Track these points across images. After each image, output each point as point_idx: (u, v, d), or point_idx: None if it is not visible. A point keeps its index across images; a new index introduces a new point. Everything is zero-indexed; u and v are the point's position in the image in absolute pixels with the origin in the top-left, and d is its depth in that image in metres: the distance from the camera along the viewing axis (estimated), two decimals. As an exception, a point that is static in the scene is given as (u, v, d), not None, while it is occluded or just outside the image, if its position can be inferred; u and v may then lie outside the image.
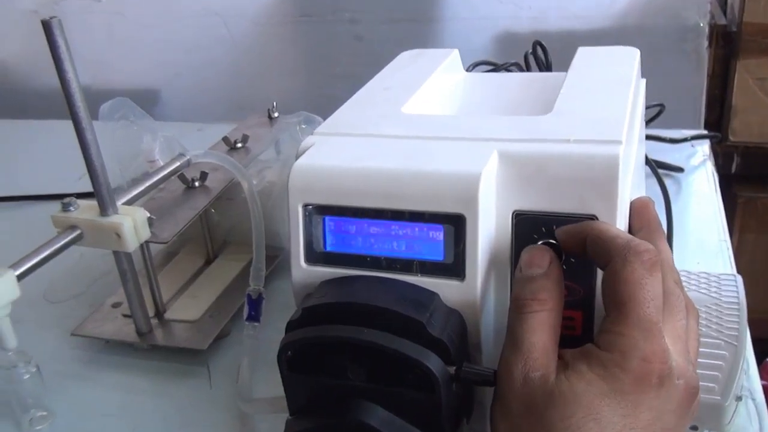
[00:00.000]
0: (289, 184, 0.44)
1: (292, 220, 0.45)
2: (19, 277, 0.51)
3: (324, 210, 0.44)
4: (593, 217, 0.41)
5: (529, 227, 0.43)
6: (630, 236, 0.39)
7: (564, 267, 0.42)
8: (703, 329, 0.54)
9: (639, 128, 0.54)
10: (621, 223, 0.42)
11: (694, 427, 0.50)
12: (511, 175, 0.43)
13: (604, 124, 0.45)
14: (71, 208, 0.57)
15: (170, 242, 0.62)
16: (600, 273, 0.42)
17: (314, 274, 0.45)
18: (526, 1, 1.20)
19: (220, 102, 1.35)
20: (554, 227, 0.42)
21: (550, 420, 0.36)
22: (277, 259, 0.73)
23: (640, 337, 0.37)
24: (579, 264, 0.42)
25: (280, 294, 0.67)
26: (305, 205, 0.44)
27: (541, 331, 0.39)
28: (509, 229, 0.44)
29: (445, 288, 0.42)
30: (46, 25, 0.50)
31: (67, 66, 0.52)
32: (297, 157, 0.47)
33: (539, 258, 0.41)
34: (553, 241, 0.42)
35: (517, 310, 0.40)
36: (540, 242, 0.43)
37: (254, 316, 0.60)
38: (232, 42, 1.33)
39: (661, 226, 0.45)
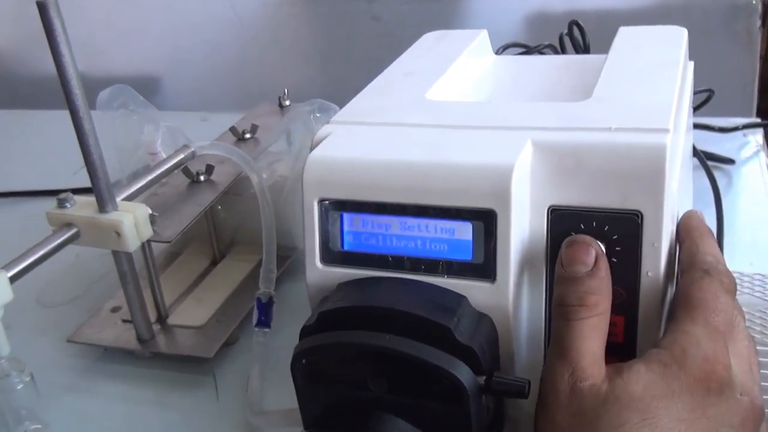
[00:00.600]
0: (303, 177, 0.44)
1: (307, 217, 0.45)
2: (12, 279, 0.52)
3: (341, 205, 0.44)
4: (637, 214, 0.41)
5: (565, 224, 0.43)
6: (721, 258, 0.42)
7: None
8: (757, 336, 0.54)
9: (687, 115, 0.53)
10: (668, 220, 0.41)
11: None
12: (547, 167, 0.43)
13: (649, 111, 0.45)
14: (67, 205, 0.58)
15: (174, 241, 0.63)
16: (644, 275, 0.42)
17: (331, 275, 0.45)
18: (561, -23, 1.20)
19: (226, 89, 1.35)
20: (593, 224, 0.42)
21: (601, 429, 0.36)
22: (289, 259, 0.73)
23: (703, 336, 0.38)
24: (621, 263, 0.42)
25: (292, 297, 0.67)
26: (321, 201, 0.44)
27: (590, 339, 0.39)
28: (544, 226, 0.43)
29: (474, 290, 0.42)
30: (42, 6, 0.50)
31: (64, 50, 0.52)
32: (312, 148, 0.47)
33: (583, 253, 0.41)
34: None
35: (563, 317, 0.40)
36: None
37: (264, 322, 0.60)
38: (239, 24, 1.33)
39: (712, 233, 0.44)
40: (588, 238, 0.41)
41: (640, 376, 0.38)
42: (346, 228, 0.45)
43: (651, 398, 0.37)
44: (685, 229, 0.44)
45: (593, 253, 0.41)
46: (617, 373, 0.39)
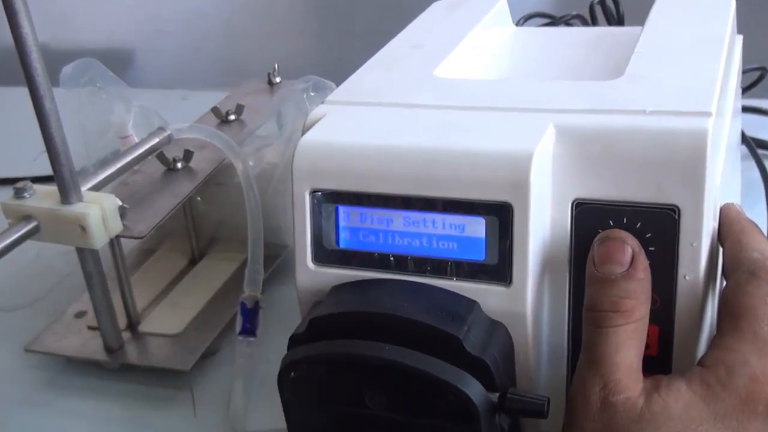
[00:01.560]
0: (293, 165, 0.45)
1: (297, 210, 0.45)
2: (-38, 279, 0.52)
3: (337, 197, 0.44)
4: (674, 209, 0.41)
5: (592, 219, 0.43)
6: None
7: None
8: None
9: (734, 97, 0.53)
10: (709, 216, 0.41)
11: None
12: (571, 155, 0.43)
13: (689, 92, 0.45)
14: (26, 195, 0.58)
15: (147, 237, 0.63)
16: (681, 278, 0.42)
17: (324, 277, 0.45)
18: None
19: (209, 64, 1.35)
20: (624, 220, 0.42)
21: None
22: (278, 258, 0.73)
23: (751, 353, 0.38)
24: (655, 265, 0.42)
25: (281, 302, 0.67)
26: (313, 192, 0.45)
27: (626, 348, 0.40)
28: (568, 222, 0.43)
29: (487, 295, 0.43)
30: (-4, -32, 0.51)
31: (23, 20, 0.52)
32: (304, 132, 0.47)
33: (618, 251, 0.41)
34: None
35: (595, 324, 0.40)
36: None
37: (249, 329, 0.60)
38: (224, -10, 1.33)
39: (757, 227, 0.44)
40: (624, 234, 0.42)
41: (680, 395, 0.38)
42: (341, 223, 0.45)
43: (690, 420, 0.37)
44: (725, 225, 0.44)
45: (629, 252, 0.41)
46: (655, 389, 0.39)
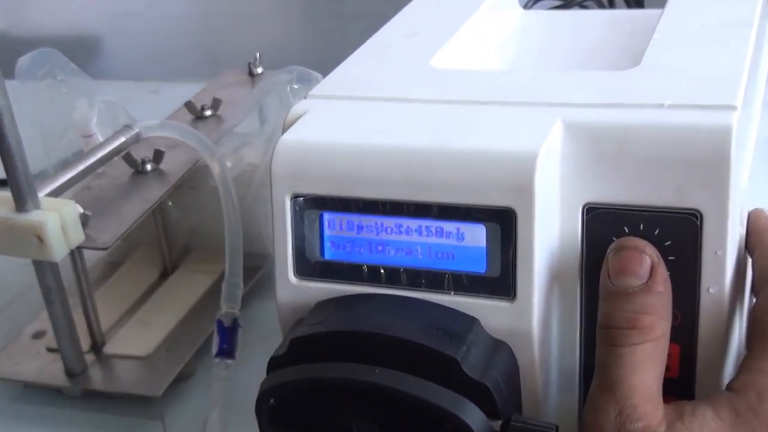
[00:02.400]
0: (272, 167, 0.45)
1: (277, 218, 0.45)
2: None
3: (321, 203, 0.45)
4: (696, 214, 0.41)
5: (605, 226, 0.43)
6: None
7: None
8: None
9: (762, 89, 0.53)
10: (734, 222, 0.42)
11: None
12: (581, 154, 0.43)
13: (712, 83, 0.45)
14: (-24, 201, 0.58)
15: (112, 248, 0.63)
16: (705, 291, 0.42)
17: (307, 292, 0.45)
18: None
19: (182, 53, 1.35)
20: (640, 226, 0.42)
21: None
22: (259, 271, 0.74)
23: None
24: (676, 276, 0.42)
25: (263, 320, 0.67)
26: (295, 197, 0.45)
27: (644, 370, 0.40)
28: (578, 229, 0.44)
29: (488, 311, 0.43)
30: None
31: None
32: (284, 130, 0.47)
33: (635, 262, 0.41)
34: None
35: (609, 342, 0.41)
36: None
37: (227, 351, 0.60)
38: (200, -31, 1.34)
39: None
40: (641, 243, 0.42)
41: (705, 422, 0.38)
42: (326, 232, 0.45)
43: None
44: (754, 233, 0.44)
45: (648, 262, 0.41)
46: (678, 416, 0.39)
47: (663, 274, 0.41)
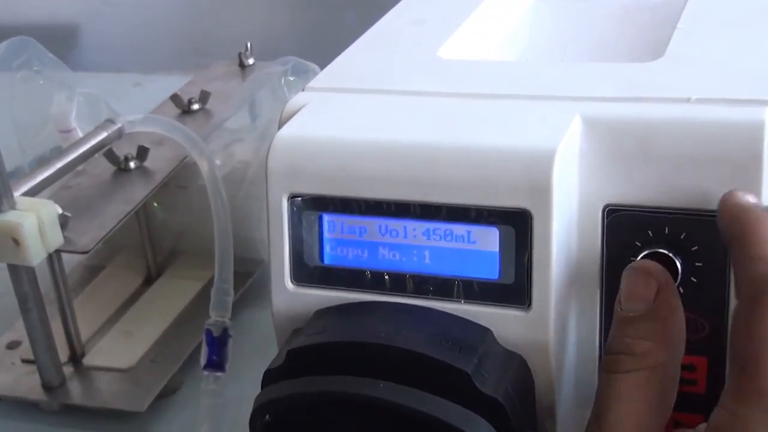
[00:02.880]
0: (267, 165, 0.45)
1: (273, 220, 0.45)
2: None
3: (320, 204, 0.45)
4: (725, 216, 0.41)
5: (627, 229, 0.43)
6: None
7: (681, 290, 0.42)
8: None
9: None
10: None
11: None
12: (602, 152, 0.43)
13: (743, 76, 0.45)
14: (-53, 201, 0.58)
15: (93, 252, 0.63)
16: (735, 301, 0.42)
17: (305, 299, 0.45)
18: None
19: (168, 43, 1.35)
20: (665, 230, 0.42)
21: None
22: (251, 276, 0.74)
23: (757, 423, 0.36)
24: (703, 284, 0.42)
25: (255, 329, 0.67)
26: (292, 197, 0.45)
27: (632, 400, 0.39)
28: (598, 232, 0.44)
29: (501, 321, 0.43)
30: None
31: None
32: (280, 125, 0.47)
33: (641, 285, 0.41)
34: (665, 251, 0.42)
35: (604, 368, 0.41)
36: (642, 255, 0.43)
37: (217, 363, 0.60)
38: (186, -47, 1.33)
39: None
40: (649, 265, 0.41)
41: None
42: (326, 234, 0.45)
43: None
44: (725, 217, 0.41)
45: (653, 286, 0.41)
46: None
47: (669, 298, 0.41)
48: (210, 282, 0.63)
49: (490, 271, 0.43)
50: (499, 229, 0.42)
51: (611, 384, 0.40)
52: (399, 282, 0.44)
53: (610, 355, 0.40)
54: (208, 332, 0.61)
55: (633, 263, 0.42)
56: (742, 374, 0.37)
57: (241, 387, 0.60)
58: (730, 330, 0.39)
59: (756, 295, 0.37)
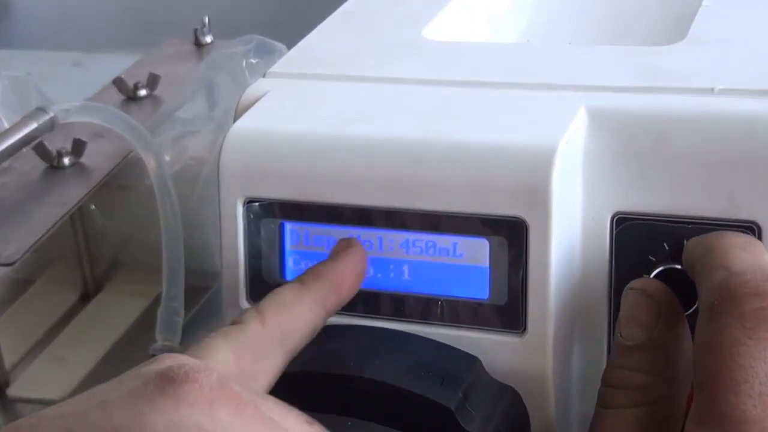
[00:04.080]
0: (220, 164, 0.45)
1: (226, 228, 0.45)
2: None
3: (282, 210, 0.45)
4: (752, 225, 0.42)
5: (639, 241, 0.43)
6: (746, 266, 0.39)
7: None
8: None
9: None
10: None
11: None
12: (610, 151, 0.43)
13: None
14: None
15: (19, 263, 0.63)
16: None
17: (264, 321, 0.45)
18: None
19: (112, 16, 1.35)
20: (684, 242, 0.42)
21: None
22: (206, 293, 0.73)
23: None
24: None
25: (210, 355, 0.67)
26: (249, 202, 0.45)
27: None
28: (606, 246, 0.44)
29: (492, 348, 0.43)
30: None
31: None
32: (236, 116, 0.47)
33: (642, 309, 0.41)
34: (678, 267, 0.43)
35: (598, 401, 0.41)
36: (657, 272, 0.43)
37: (163, 394, 0.60)
38: None
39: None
40: (651, 286, 0.42)
41: None
42: (288, 246, 0.45)
43: None
44: (693, 243, 0.42)
45: (655, 311, 0.41)
46: None
47: (673, 326, 0.41)
48: (157, 299, 0.63)
49: (478, 290, 0.43)
50: (489, 241, 0.42)
51: (604, 420, 0.40)
52: (372, 302, 0.44)
53: (605, 387, 0.41)
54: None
55: (633, 282, 0.42)
56: (702, 393, 0.37)
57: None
58: (694, 348, 0.39)
59: (713, 304, 0.38)
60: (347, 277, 0.43)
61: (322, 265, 0.43)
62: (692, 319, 0.40)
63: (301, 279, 0.43)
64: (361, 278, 0.43)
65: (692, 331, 0.40)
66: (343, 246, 0.44)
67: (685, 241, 0.42)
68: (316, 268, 0.43)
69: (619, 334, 0.41)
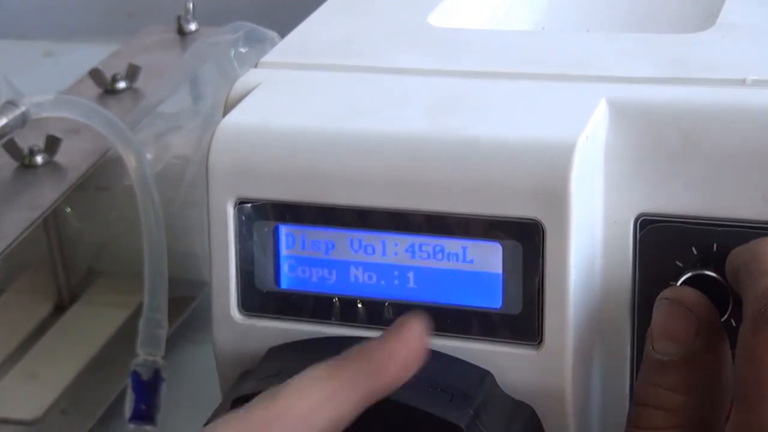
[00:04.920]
0: (208, 162, 0.45)
1: (216, 232, 0.45)
2: None
3: (276, 212, 0.45)
4: (789, 229, 0.42)
5: (665, 245, 0.43)
6: None
7: (733, 322, 0.42)
8: None
9: None
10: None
11: None
12: (634, 147, 0.43)
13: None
14: None
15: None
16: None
17: (256, 333, 0.45)
18: None
19: (86, 2, 1.35)
20: (714, 247, 0.43)
21: None
22: (191, 303, 0.73)
23: None
24: None
25: (194, 371, 0.67)
26: (240, 203, 0.45)
27: None
28: (630, 250, 0.44)
29: (505, 361, 0.43)
30: None
31: None
32: (226, 110, 0.47)
33: (678, 322, 0.41)
34: (713, 274, 0.43)
35: (630, 421, 0.41)
36: (684, 278, 0.43)
37: (145, 413, 0.60)
38: None
39: None
40: (688, 296, 0.41)
41: None
42: (283, 251, 0.45)
43: None
44: (738, 250, 0.42)
45: (694, 324, 0.41)
46: None
47: (713, 340, 0.41)
48: (138, 310, 0.63)
49: (490, 299, 0.43)
50: (502, 245, 0.43)
51: None
52: (375, 312, 0.45)
53: (638, 406, 0.41)
54: (135, 375, 0.61)
55: (666, 291, 0.42)
56: (743, 407, 0.38)
57: (175, 445, 0.60)
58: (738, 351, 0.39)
59: (760, 312, 0.38)
60: (394, 360, 0.40)
61: (368, 343, 0.40)
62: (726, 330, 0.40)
63: (339, 357, 0.40)
64: (412, 363, 0.40)
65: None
66: (398, 324, 0.41)
67: (728, 248, 0.42)
68: (360, 347, 0.40)
69: (651, 348, 0.41)
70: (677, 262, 0.43)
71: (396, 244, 0.44)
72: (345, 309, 0.45)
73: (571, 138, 0.42)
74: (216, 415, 0.43)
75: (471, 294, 0.43)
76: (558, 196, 0.41)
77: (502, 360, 0.43)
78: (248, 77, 0.49)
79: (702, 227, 0.43)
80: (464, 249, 0.43)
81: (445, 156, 0.43)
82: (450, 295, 0.44)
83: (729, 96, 0.43)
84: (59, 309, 0.75)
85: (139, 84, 0.78)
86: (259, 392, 0.42)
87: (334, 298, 0.45)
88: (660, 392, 0.40)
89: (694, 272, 0.43)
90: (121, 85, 0.78)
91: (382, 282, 0.44)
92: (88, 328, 0.73)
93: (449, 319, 0.44)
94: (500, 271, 0.43)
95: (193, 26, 0.85)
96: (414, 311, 0.43)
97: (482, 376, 0.43)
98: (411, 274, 0.44)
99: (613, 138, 0.44)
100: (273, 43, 0.70)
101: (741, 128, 0.42)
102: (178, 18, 0.85)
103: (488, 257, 0.43)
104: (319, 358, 0.44)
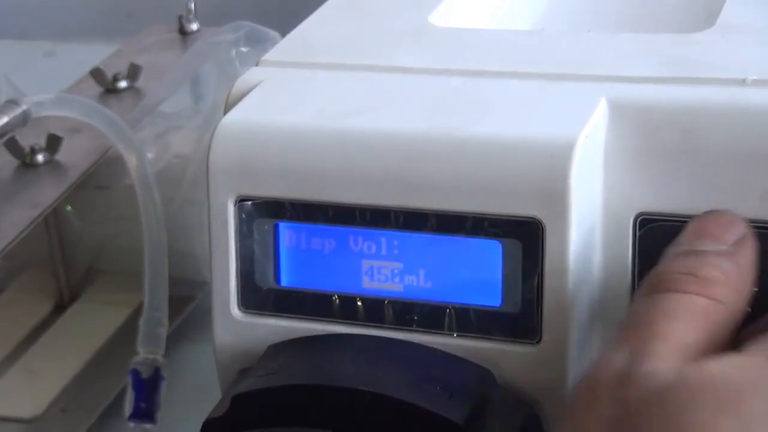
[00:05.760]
0: (209, 160, 0.45)
1: (216, 229, 0.45)
2: None
3: (276, 210, 0.45)
4: (789, 226, 0.42)
5: (665, 245, 0.42)
6: None
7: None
8: None
9: None
10: None
11: None
12: (633, 146, 0.44)
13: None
14: None
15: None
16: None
17: (256, 331, 0.45)
18: None
19: (87, 2, 1.35)
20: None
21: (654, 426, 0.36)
22: (191, 302, 0.73)
23: None
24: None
25: (194, 369, 0.67)
26: (241, 201, 0.45)
27: (684, 321, 0.38)
28: (629, 248, 0.44)
29: (505, 359, 0.43)
30: None
31: None
32: (227, 108, 0.47)
33: (722, 228, 0.41)
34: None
35: (648, 290, 0.39)
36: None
37: (145, 412, 0.60)
38: None
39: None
40: (735, 215, 0.41)
41: (727, 360, 0.37)
42: (283, 248, 0.45)
43: (737, 383, 0.36)
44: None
45: (739, 230, 0.41)
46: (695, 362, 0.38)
47: (752, 248, 0.41)
48: (138, 309, 0.63)
49: (490, 297, 0.43)
50: (502, 244, 0.43)
51: (658, 302, 0.38)
52: (375, 310, 0.45)
53: (663, 274, 0.39)
54: (135, 373, 0.61)
55: (709, 212, 0.42)
56: None
57: (175, 443, 0.60)
58: None
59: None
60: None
61: None
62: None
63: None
64: None
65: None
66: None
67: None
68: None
69: (677, 247, 0.40)
70: (676, 261, 0.43)
71: (396, 242, 0.44)
72: (345, 306, 0.45)
73: (571, 137, 0.42)
74: (216, 411, 0.44)
75: (470, 292, 0.43)
76: (558, 195, 0.41)
77: (501, 357, 0.43)
78: (249, 76, 0.49)
79: (701, 227, 0.43)
80: (464, 247, 0.43)
81: (445, 154, 0.43)
82: (449, 293, 0.44)
83: (729, 96, 0.43)
84: (59, 307, 0.75)
85: (140, 83, 0.78)
86: (259, 390, 0.43)
87: (334, 295, 0.45)
88: (695, 264, 0.39)
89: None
90: (122, 84, 0.78)
91: (383, 279, 0.44)
92: (89, 327, 0.73)
93: (448, 317, 0.44)
94: (500, 269, 0.43)
95: (194, 26, 0.85)
96: (413, 308, 0.44)
97: (481, 373, 0.43)
98: (411, 272, 0.44)
99: (613, 137, 0.44)
100: (274, 43, 0.70)
101: (740, 128, 0.42)
102: (180, 18, 0.85)
103: (488, 255, 0.43)
104: (319, 355, 0.44)
